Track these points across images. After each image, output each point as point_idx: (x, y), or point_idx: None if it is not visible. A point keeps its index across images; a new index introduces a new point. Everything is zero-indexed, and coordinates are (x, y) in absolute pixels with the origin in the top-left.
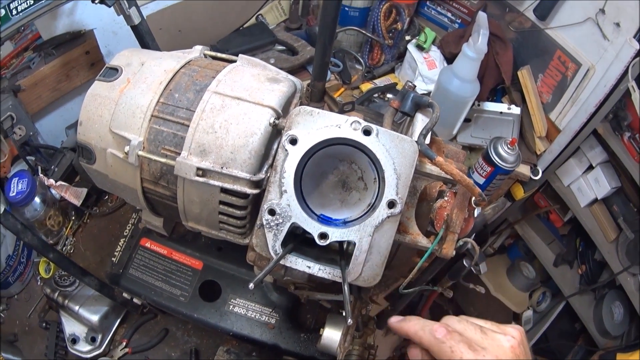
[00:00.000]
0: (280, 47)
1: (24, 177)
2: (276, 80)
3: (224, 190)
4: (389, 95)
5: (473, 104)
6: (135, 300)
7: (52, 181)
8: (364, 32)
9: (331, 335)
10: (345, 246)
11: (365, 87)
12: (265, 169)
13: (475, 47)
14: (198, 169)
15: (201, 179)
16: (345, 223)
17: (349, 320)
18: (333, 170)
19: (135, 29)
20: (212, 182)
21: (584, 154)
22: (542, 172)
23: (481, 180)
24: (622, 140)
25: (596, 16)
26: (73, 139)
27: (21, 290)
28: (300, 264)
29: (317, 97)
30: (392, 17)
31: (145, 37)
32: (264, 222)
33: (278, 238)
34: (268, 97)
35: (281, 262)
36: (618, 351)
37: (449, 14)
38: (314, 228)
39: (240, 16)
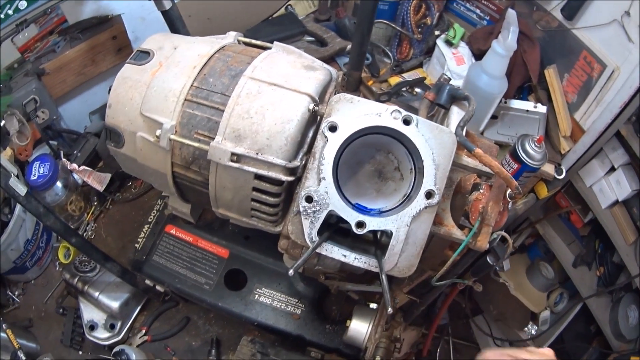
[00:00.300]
0: (309, 38)
1: (46, 161)
2: (312, 68)
3: (258, 177)
4: (417, 90)
5: (500, 101)
6: (157, 287)
7: (75, 166)
8: (393, 25)
9: (358, 327)
10: (379, 236)
11: (394, 80)
12: (300, 156)
13: (504, 44)
14: (232, 154)
15: (235, 165)
16: (380, 213)
17: (390, 309)
18: (370, 159)
19: (165, 14)
20: (246, 168)
21: (606, 156)
22: (566, 172)
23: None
24: None
25: (622, 18)
26: (97, 124)
27: (38, 276)
28: (336, 252)
29: (353, 86)
30: (422, 12)
31: (175, 23)
32: (301, 209)
33: (315, 225)
34: (305, 84)
35: (317, 250)
36: (632, 354)
37: (478, 11)
38: (351, 216)
39: (269, 6)
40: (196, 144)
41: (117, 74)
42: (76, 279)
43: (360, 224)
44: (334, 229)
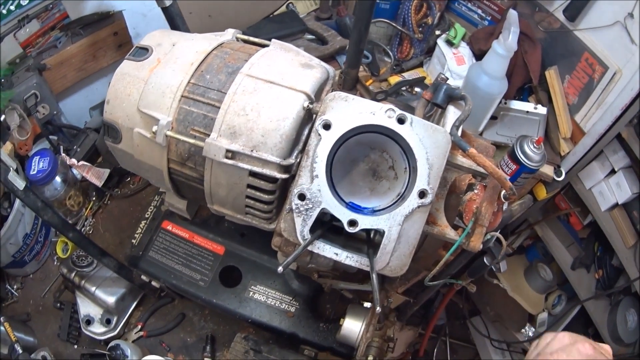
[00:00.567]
0: (309, 37)
1: (45, 155)
2: (309, 66)
3: (252, 174)
4: (417, 89)
5: (500, 102)
6: (153, 283)
7: (74, 161)
8: (394, 24)
9: (351, 326)
10: (372, 235)
11: (394, 80)
12: (295, 154)
13: (505, 45)
14: (227, 150)
15: (230, 162)
16: (374, 211)
17: (378, 308)
18: (364, 158)
19: (166, 10)
20: (241, 164)
21: (606, 158)
22: (565, 174)
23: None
24: None
25: (625, 20)
26: (97, 119)
27: (37, 270)
28: (328, 250)
29: (350, 84)
30: (423, 12)
31: (175, 19)
32: (294, 207)
33: (307, 223)
34: (301, 82)
35: (308, 248)
36: (630, 358)
37: (480, 11)
38: (343, 215)
39: (270, 3)
40: (192, 141)
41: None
42: (73, 274)
43: (353, 223)
44: (327, 227)
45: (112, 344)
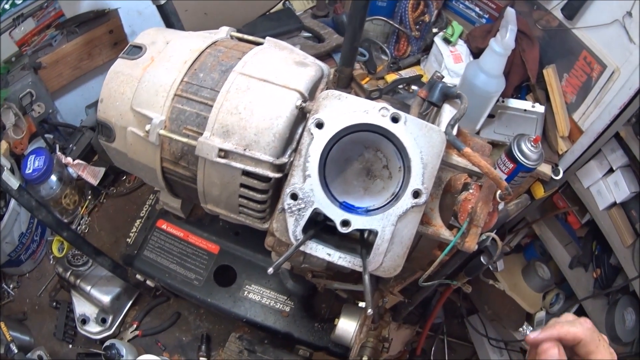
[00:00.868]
0: (306, 34)
1: (41, 154)
2: (303, 64)
3: (245, 173)
4: (414, 87)
5: (497, 100)
6: (148, 282)
7: (69, 159)
8: (391, 22)
9: (346, 326)
10: (366, 235)
11: (391, 77)
12: (288, 152)
13: (502, 43)
14: (220, 150)
15: (223, 161)
16: (367, 211)
17: (370, 310)
18: (358, 157)
19: (161, 8)
20: (233, 164)
21: (605, 157)
22: (563, 173)
23: (503, 177)
24: None
25: (623, 18)
26: (93, 118)
27: (33, 269)
28: (321, 251)
29: (345, 82)
30: (420, 9)
31: (170, 17)
32: (286, 207)
33: (299, 223)
34: (295, 80)
35: (301, 248)
36: (628, 358)
37: (477, 9)
38: (336, 215)
39: (267, 1)
40: (185, 139)
41: None
42: (69, 273)
43: (345, 223)
44: (321, 226)
45: (107, 343)
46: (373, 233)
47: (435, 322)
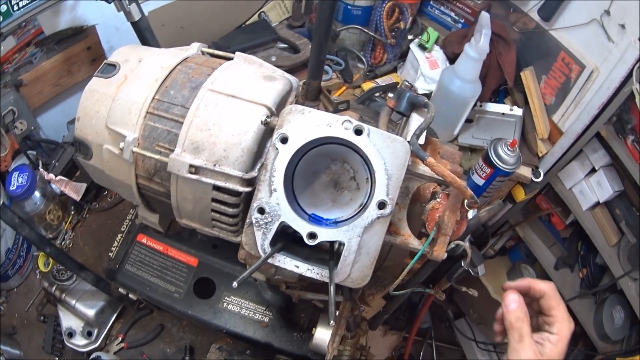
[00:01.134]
0: (282, 45)
1: (24, 171)
2: (272, 78)
3: (216, 188)
4: (390, 95)
5: (475, 105)
6: (130, 295)
7: (52, 175)
8: (366, 30)
9: (322, 335)
10: (336, 247)
11: (367, 86)
12: (258, 167)
13: (477, 47)
14: (191, 166)
15: (194, 177)
16: (336, 223)
17: (332, 322)
18: (325, 169)
19: (135, 25)
20: (204, 179)
21: (586, 157)
22: (544, 175)
23: (481, 182)
24: (625, 144)
25: (601, 17)
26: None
27: (20, 284)
28: (289, 263)
29: (313, 95)
30: (395, 16)
31: (145, 34)
32: (253, 221)
33: (267, 237)
34: (262, 95)
35: (269, 261)
36: (618, 356)
37: (453, 14)
38: (303, 227)
39: (242, 13)
40: (157, 156)
41: None
42: (54, 287)
43: (312, 235)
44: (291, 238)
45: (93, 355)
46: (342, 245)
47: (423, 327)
